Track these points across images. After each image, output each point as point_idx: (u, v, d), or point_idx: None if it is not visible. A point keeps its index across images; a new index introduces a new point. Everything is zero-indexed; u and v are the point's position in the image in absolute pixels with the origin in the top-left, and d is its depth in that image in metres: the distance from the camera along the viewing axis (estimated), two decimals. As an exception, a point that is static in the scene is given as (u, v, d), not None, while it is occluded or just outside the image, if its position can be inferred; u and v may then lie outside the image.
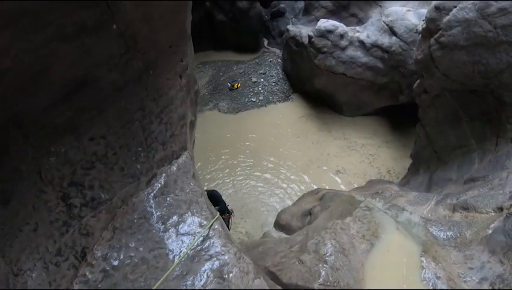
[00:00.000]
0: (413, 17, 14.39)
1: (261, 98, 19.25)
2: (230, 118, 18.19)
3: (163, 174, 4.56)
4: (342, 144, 16.05)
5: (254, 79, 20.58)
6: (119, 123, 4.08)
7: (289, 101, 19.12)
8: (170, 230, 4.07)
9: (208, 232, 4.16)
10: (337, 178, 14.40)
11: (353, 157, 15.38)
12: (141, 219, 4.09)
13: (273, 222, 11.21)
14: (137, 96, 4.26)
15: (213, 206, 5.08)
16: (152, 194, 4.34)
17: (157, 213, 4.19)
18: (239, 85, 20.03)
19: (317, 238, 5.61)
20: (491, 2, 7.76)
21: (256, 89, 19.89)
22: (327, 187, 13.24)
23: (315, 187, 13.49)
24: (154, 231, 4.01)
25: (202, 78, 21.14)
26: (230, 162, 15.40)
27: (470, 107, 9.33)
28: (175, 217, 4.19)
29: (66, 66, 3.25)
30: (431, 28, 9.51)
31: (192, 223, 4.20)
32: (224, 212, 8.71)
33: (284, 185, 14.20)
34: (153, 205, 4.25)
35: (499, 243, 4.71)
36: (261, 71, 21.21)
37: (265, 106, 18.78)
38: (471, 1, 8.21)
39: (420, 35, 10.48)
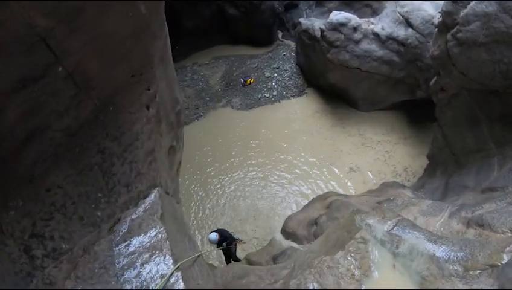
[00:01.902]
0: (430, 7, 13.77)
1: (274, 93, 18.92)
2: (244, 114, 17.94)
3: (128, 218, 4.39)
4: (356, 141, 15.63)
5: (267, 74, 20.21)
6: (76, 171, 3.91)
7: (303, 96, 18.71)
8: (129, 281, 3.90)
9: (167, 282, 3.97)
10: (349, 178, 14.04)
11: (368, 154, 14.97)
12: (102, 268, 3.95)
13: (281, 228, 11.01)
14: (94, 139, 4.02)
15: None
16: (114, 242, 4.17)
17: (118, 263, 4.03)
18: (252, 80, 19.69)
19: (300, 278, 5.30)
20: None
21: (269, 84, 19.54)
22: (338, 189, 12.97)
23: (325, 187, 13.37)
24: (113, 283, 3.86)
25: (215, 74, 20.92)
26: (242, 159, 15.23)
27: (489, 109, 8.79)
28: (136, 266, 4.02)
29: (13, 119, 3.06)
30: (447, 22, 8.97)
31: (152, 273, 4.01)
32: (232, 243, 10.34)
33: (295, 184, 13.97)
34: (114, 254, 4.09)
35: (510, 279, 4.33)
36: (274, 66, 20.80)
37: (279, 102, 18.47)
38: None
39: (436, 29, 9.93)
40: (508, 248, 4.93)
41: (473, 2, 8.10)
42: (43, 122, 3.36)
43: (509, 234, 5.45)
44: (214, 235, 9.97)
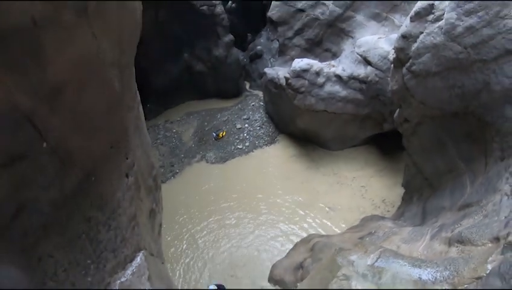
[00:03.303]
0: (385, 44, 14.45)
1: (247, 144, 19.14)
2: (219, 167, 17.98)
3: (117, 282, 4.41)
4: (332, 180, 15.76)
5: (239, 125, 20.55)
6: (64, 239, 3.92)
7: (275, 143, 19.01)
8: None
9: None
10: (329, 218, 13.98)
11: (344, 192, 15.06)
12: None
13: (268, 277, 10.80)
14: (79, 208, 4.09)
15: None
16: (106, 305, 4.14)
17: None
18: (224, 133, 19.97)
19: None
20: (456, 22, 7.59)
21: (241, 135, 19.81)
22: (319, 230, 12.91)
23: (306, 230, 13.28)
24: None
25: (188, 130, 21.17)
26: (221, 211, 15.03)
27: (453, 131, 9.10)
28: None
29: (3, 194, 3.10)
30: (401, 57, 9.43)
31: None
32: None
33: (277, 230, 13.81)
34: (107, 316, 4.03)
35: (494, 287, 4.33)
36: (244, 116, 21.23)
37: (253, 151, 18.65)
38: (437, 25, 8.09)
39: (392, 65, 10.38)
40: (490, 258, 4.99)
41: (422, 35, 8.58)
42: (30, 196, 3.41)
43: (490, 245, 5.52)
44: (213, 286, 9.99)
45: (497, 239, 5.61)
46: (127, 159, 5.03)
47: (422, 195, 10.84)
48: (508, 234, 5.44)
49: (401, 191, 13.26)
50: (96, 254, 4.32)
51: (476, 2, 7.21)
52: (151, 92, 21.22)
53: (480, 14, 7.22)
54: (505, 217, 6.10)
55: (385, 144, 16.53)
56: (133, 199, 5.10)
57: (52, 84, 3.34)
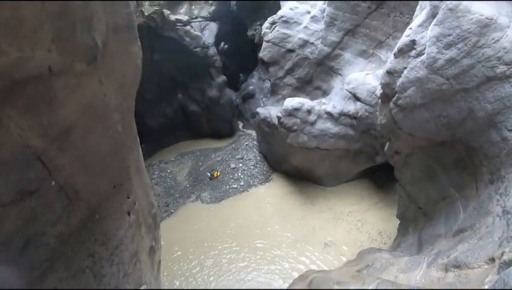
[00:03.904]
0: (373, 79, 14.87)
1: (241, 183, 19.21)
2: (214, 207, 17.94)
3: None
4: (327, 216, 15.77)
5: (233, 165, 20.70)
6: (70, 273, 4.02)
7: (270, 181, 19.11)
8: None
9: None
10: (326, 253, 13.91)
11: (340, 226, 15.06)
12: None
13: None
14: (84, 244, 4.23)
15: None
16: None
17: None
18: (218, 173, 20.04)
19: None
20: (437, 56, 7.92)
21: (236, 175, 19.91)
22: (317, 266, 12.81)
23: (304, 266, 13.16)
24: None
25: (182, 170, 21.23)
26: (215, 249, 14.92)
27: (443, 159, 9.29)
28: None
29: (12, 228, 3.25)
30: (387, 92, 9.72)
31: None
32: None
33: (274, 267, 13.65)
34: None
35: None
36: (238, 156, 21.42)
37: (247, 190, 18.68)
38: (419, 59, 8.41)
39: (380, 101, 10.67)
40: (487, 279, 5.05)
41: (406, 70, 8.90)
42: (38, 230, 3.54)
43: (486, 266, 5.59)
44: None
45: (492, 260, 5.70)
46: (128, 198, 5.25)
47: (417, 225, 10.87)
48: (502, 253, 5.53)
49: (397, 222, 13.26)
50: (100, 289, 4.40)
51: (455, 34, 7.58)
52: (145, 131, 21.39)
53: (459, 45, 7.59)
54: (499, 238, 6.21)
55: (379, 176, 16.72)
56: (134, 236, 5.27)
57: (62, 126, 3.63)
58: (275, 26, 18.68)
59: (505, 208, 6.66)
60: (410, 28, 8.63)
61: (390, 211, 14.77)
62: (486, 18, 7.29)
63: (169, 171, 21.07)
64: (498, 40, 7.25)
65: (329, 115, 15.95)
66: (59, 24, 3.28)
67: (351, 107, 15.32)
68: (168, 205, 18.16)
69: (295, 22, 18.14)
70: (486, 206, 7.33)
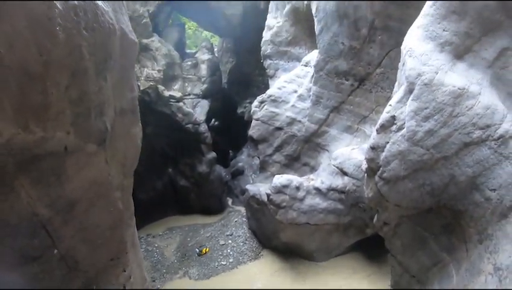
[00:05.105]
0: (358, 154, 15.28)
1: (231, 260, 18.87)
2: (202, 284, 17.42)
3: None
4: (319, 292, 15.31)
5: (222, 241, 20.48)
6: None
7: (260, 258, 18.80)
8: None
9: None
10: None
11: (333, 304, 14.60)
12: None
13: None
14: None
15: None
16: None
17: None
18: (207, 250, 19.73)
19: None
20: (416, 128, 8.37)
21: (225, 251, 19.62)
22: None
23: None
24: None
25: (170, 245, 20.85)
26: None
27: (431, 225, 9.49)
28: None
29: None
30: (372, 166, 10.10)
31: None
32: None
33: None
34: None
35: None
36: (227, 233, 21.28)
37: (237, 267, 18.31)
38: (400, 133, 8.85)
39: (365, 175, 11.04)
40: None
41: (388, 145, 9.35)
42: None
43: None
44: None
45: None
46: (124, 271, 5.44)
47: (412, 293, 10.75)
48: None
49: (392, 293, 13.02)
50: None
51: (431, 107, 8.13)
52: (134, 204, 21.20)
53: (436, 117, 8.11)
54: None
55: (370, 248, 16.62)
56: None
57: (68, 199, 3.95)
58: (264, 105, 19.56)
59: (496, 265, 6.86)
60: (390, 105, 9.19)
61: (385, 282, 14.42)
62: (459, 88, 7.90)
63: (156, 245, 20.64)
64: (471, 108, 7.82)
65: (318, 190, 16.23)
66: (78, 110, 3.75)
67: (339, 181, 15.68)
68: (154, 281, 17.55)
69: (283, 100, 19.04)
70: (478, 265, 7.51)
